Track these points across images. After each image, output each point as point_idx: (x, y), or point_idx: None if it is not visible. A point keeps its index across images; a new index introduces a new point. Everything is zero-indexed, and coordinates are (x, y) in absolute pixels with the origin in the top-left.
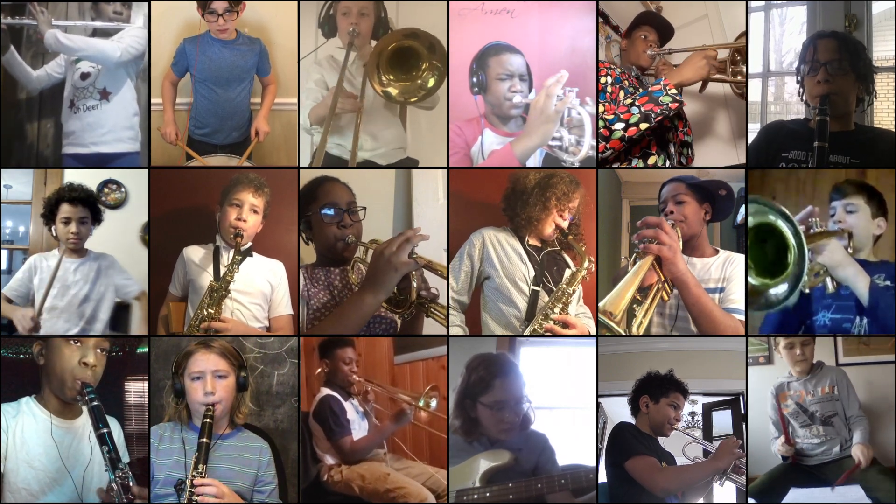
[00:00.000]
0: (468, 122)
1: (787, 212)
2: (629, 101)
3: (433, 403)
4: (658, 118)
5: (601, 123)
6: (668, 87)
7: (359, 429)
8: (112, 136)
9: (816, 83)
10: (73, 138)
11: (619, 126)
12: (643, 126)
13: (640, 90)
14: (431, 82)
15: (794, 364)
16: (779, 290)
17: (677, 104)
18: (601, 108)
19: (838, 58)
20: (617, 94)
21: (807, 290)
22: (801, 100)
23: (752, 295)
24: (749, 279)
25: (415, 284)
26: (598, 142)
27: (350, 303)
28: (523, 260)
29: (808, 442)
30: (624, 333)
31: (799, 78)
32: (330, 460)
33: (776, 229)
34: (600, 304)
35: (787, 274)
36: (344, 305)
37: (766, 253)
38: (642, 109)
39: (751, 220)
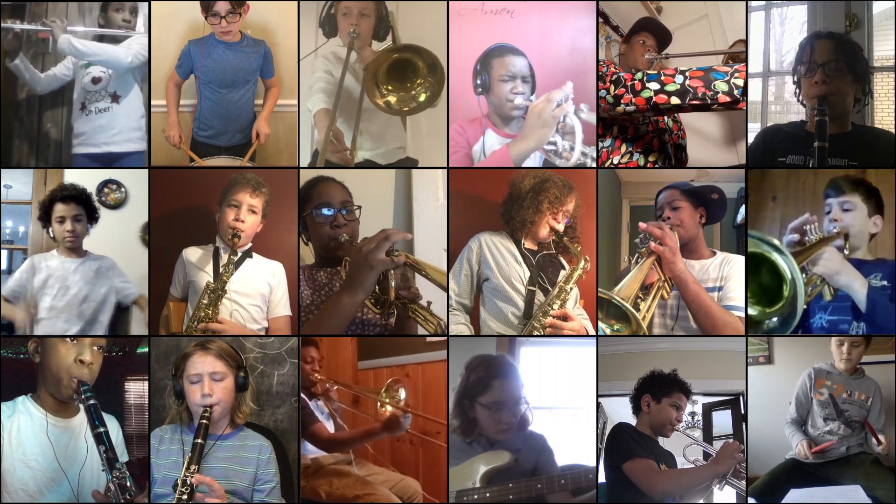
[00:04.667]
0: (471, 121)
1: (781, 246)
2: (683, 68)
3: (402, 394)
4: (693, 101)
5: (638, 75)
6: (736, 76)
7: None
8: (122, 137)
9: (814, 84)
10: (83, 138)
11: (653, 85)
12: (674, 101)
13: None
14: (422, 98)
15: (840, 360)
16: (771, 321)
17: (729, 99)
18: (623, 74)
19: (835, 59)
20: (631, 80)
21: (804, 307)
22: (798, 100)
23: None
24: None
25: (393, 284)
26: (601, 115)
27: (329, 303)
28: (518, 261)
29: (825, 436)
30: (635, 312)
31: (795, 79)
32: (305, 459)
33: (770, 261)
34: (615, 289)
35: (781, 306)
36: (324, 306)
37: (760, 278)
38: (687, 83)
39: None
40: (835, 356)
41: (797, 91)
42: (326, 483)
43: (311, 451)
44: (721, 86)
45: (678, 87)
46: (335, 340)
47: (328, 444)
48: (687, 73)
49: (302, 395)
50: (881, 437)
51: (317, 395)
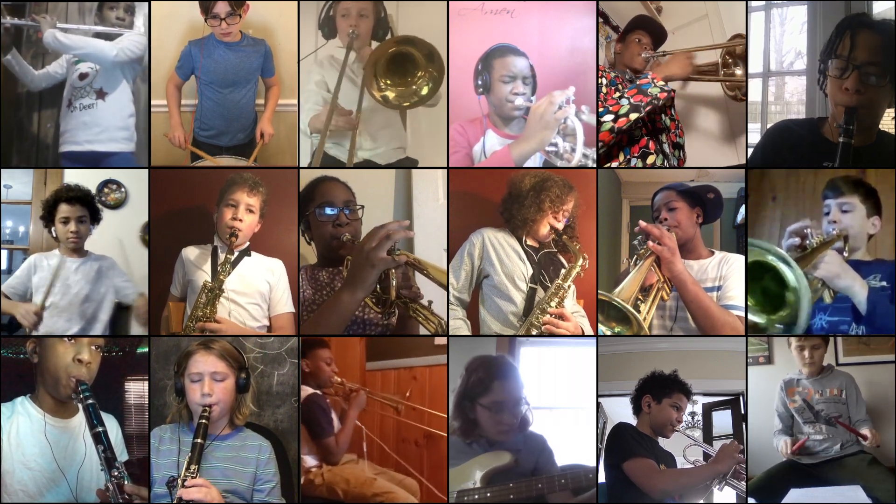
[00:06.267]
0: (471, 122)
1: (788, 257)
2: (617, 94)
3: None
4: (647, 108)
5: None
6: (655, 80)
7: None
8: (106, 136)
9: (843, 90)
10: (68, 136)
11: (608, 118)
12: (633, 116)
13: (629, 85)
14: (425, 90)
15: (803, 365)
16: (776, 328)
17: (666, 94)
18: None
19: (877, 60)
20: (612, 95)
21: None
22: (821, 88)
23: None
24: (750, 316)
25: (394, 283)
26: (598, 142)
27: (329, 301)
28: (522, 259)
29: (811, 440)
30: (636, 313)
31: (822, 67)
32: (311, 462)
33: (776, 269)
34: (615, 291)
35: (786, 313)
36: (324, 304)
37: (765, 286)
38: (631, 101)
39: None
40: (797, 362)
41: (821, 80)
42: (344, 481)
43: (305, 452)
44: (653, 90)
45: (628, 107)
46: (343, 340)
47: (336, 453)
48: (626, 94)
49: (318, 402)
50: (865, 433)
51: (329, 395)
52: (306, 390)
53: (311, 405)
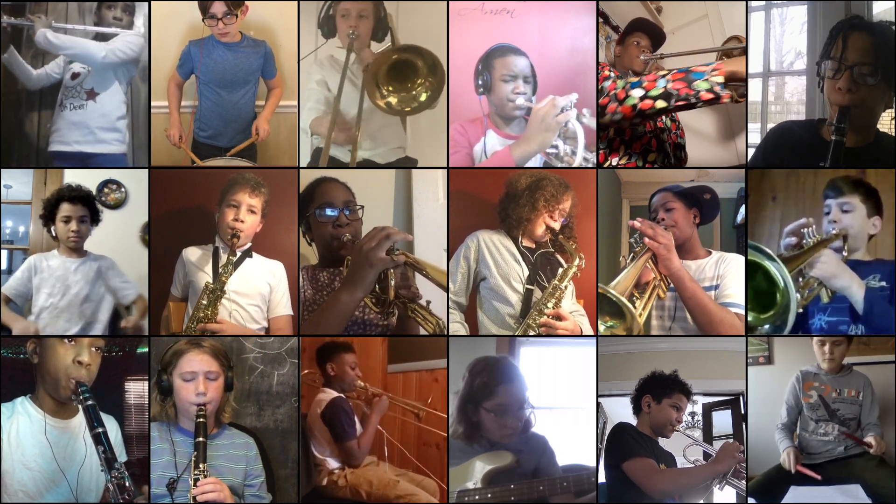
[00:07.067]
0: (472, 122)
1: (776, 257)
2: (663, 73)
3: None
4: (678, 103)
5: (620, 83)
6: (713, 74)
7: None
8: (93, 137)
9: (836, 90)
10: (58, 135)
11: (637, 92)
12: (659, 105)
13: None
14: (423, 97)
15: (822, 361)
16: (763, 328)
17: (712, 96)
18: (607, 84)
19: (870, 61)
20: (614, 89)
21: (800, 310)
22: (820, 89)
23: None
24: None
25: (392, 283)
26: (598, 140)
27: (328, 301)
28: (517, 260)
29: (818, 438)
30: (630, 305)
31: (819, 70)
32: (333, 464)
33: (764, 268)
34: (611, 284)
35: (772, 314)
36: (323, 304)
37: (756, 285)
38: (669, 86)
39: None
40: (818, 357)
41: (820, 82)
42: (367, 483)
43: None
44: (701, 84)
45: (661, 90)
46: (365, 342)
47: (358, 456)
48: (668, 77)
49: (342, 405)
50: (869, 440)
51: (352, 399)
52: (330, 393)
53: (335, 408)
